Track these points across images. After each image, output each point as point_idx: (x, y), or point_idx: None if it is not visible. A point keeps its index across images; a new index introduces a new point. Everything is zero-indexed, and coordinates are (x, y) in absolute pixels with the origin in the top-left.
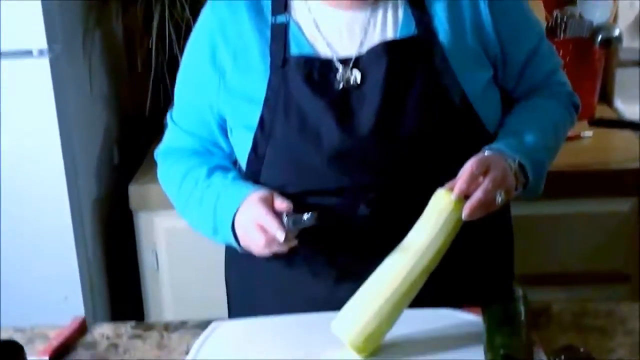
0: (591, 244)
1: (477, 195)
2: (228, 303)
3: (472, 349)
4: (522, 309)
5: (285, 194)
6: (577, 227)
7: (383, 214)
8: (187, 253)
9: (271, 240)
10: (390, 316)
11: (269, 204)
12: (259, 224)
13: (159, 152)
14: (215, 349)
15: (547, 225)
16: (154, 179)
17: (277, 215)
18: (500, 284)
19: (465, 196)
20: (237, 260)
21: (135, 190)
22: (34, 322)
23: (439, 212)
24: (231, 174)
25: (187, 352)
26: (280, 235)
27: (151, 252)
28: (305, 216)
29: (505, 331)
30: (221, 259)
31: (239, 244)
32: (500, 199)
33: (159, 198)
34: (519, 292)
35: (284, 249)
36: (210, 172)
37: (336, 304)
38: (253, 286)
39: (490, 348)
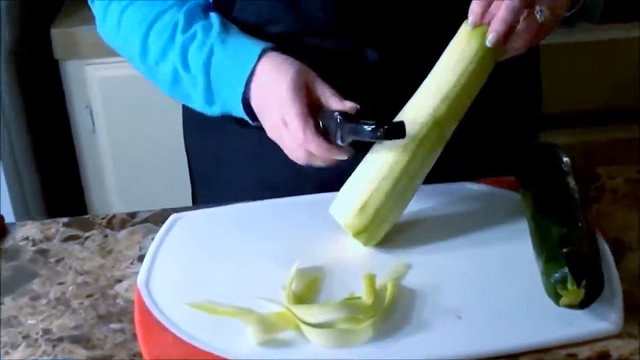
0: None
1: (503, 15)
2: (191, 178)
3: (506, 229)
4: (575, 186)
5: (267, 35)
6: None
7: (396, 60)
8: (130, 109)
9: (313, 157)
10: (399, 190)
11: (304, 94)
12: (295, 133)
13: None
14: (178, 250)
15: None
16: (83, 19)
17: (313, 110)
18: (531, 150)
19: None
20: (199, 123)
21: (59, 36)
22: None
23: (464, 49)
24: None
25: (140, 259)
26: (338, 155)
27: (84, 109)
28: (368, 127)
29: (560, 219)
30: (177, 117)
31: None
32: (542, 17)
33: (90, 42)
34: (567, 161)
35: (331, 163)
36: (190, 17)
37: (337, 182)
38: (224, 158)
39: (543, 241)
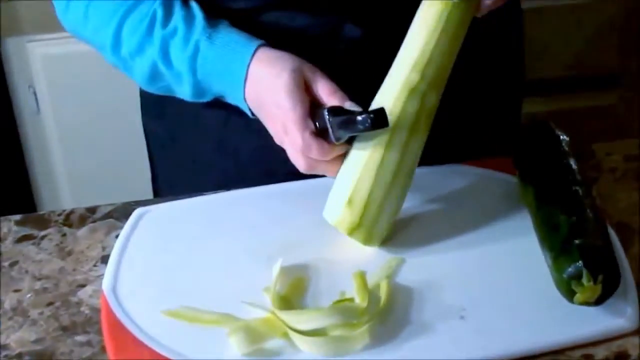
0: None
1: None
2: (151, 165)
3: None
4: (575, 165)
5: (232, 12)
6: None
7: (379, 37)
8: (78, 89)
9: (316, 163)
10: (386, 177)
11: (302, 97)
12: (294, 140)
13: None
14: (147, 249)
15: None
16: None
17: (310, 107)
18: (523, 129)
19: None
20: (158, 103)
21: None
22: None
23: (428, 11)
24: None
25: (103, 260)
26: (327, 155)
27: (27, 89)
28: (360, 117)
29: (567, 207)
30: (132, 96)
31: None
32: None
33: (32, 16)
34: (566, 139)
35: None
36: (168, 8)
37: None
38: (188, 143)
39: (551, 233)
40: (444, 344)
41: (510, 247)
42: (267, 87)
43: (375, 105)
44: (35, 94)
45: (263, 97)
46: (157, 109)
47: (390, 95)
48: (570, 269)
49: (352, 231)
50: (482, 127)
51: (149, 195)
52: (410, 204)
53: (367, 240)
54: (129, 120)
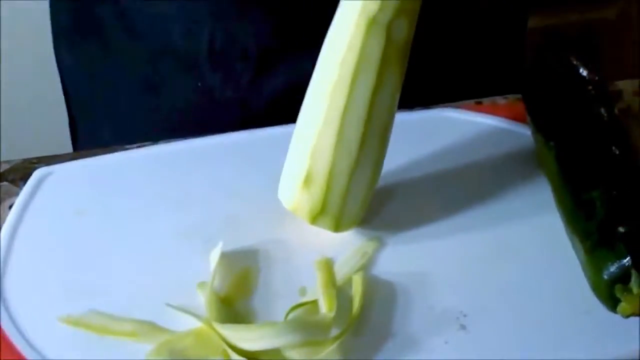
0: None
1: None
2: (68, 110)
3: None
4: (608, 113)
5: None
6: None
7: None
8: None
9: None
10: (349, 141)
11: None
12: None
13: None
14: (46, 227)
15: None
16: None
17: None
18: (535, 64)
19: None
20: (74, 31)
21: None
22: None
23: None
24: None
25: None
26: None
27: None
28: None
29: (604, 177)
30: (42, 24)
31: None
32: None
33: None
34: (595, 78)
35: None
36: None
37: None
38: (109, 82)
39: (581, 214)
40: None
41: (524, 229)
42: None
43: (327, 44)
44: None
45: None
46: (74, 37)
47: (345, 30)
48: (612, 268)
49: (315, 218)
50: (481, 60)
51: (68, 149)
52: (391, 168)
53: (337, 227)
54: (40, 51)
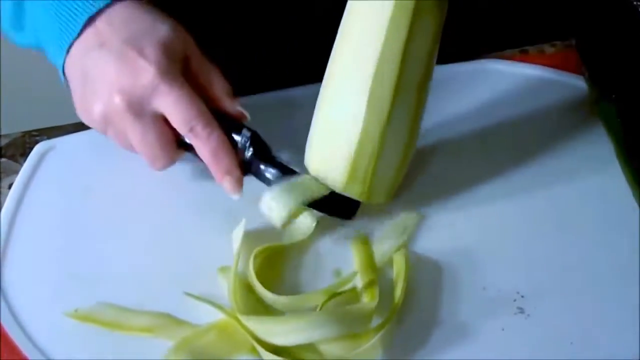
0: None
1: None
2: None
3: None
4: None
5: None
6: None
7: None
8: None
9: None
10: (391, 103)
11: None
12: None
13: None
14: (50, 207)
15: None
16: None
17: None
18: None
19: None
20: None
21: None
22: None
23: None
24: None
25: None
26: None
27: None
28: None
29: None
30: None
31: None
32: None
33: None
34: None
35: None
36: None
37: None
38: None
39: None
40: (495, 354)
41: (584, 191)
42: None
43: None
44: None
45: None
46: None
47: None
48: None
49: (344, 185)
50: (525, 1)
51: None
52: (431, 127)
53: (369, 195)
54: None
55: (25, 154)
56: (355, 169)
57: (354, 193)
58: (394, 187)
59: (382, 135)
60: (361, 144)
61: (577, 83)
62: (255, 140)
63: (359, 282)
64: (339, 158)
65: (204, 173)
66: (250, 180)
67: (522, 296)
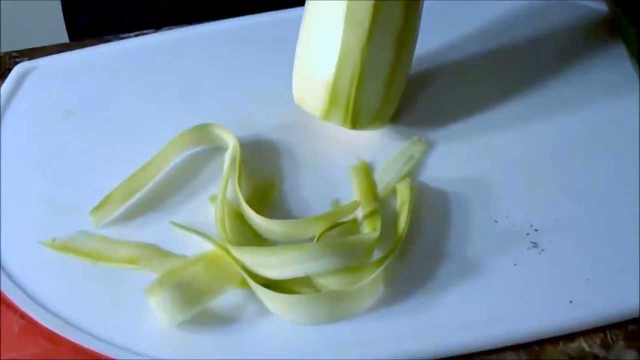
0: None
1: None
2: None
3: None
4: None
5: None
6: None
7: None
8: None
9: None
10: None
11: None
12: None
13: None
14: (28, 135)
15: None
16: None
17: None
18: None
19: None
20: None
21: None
22: None
23: None
24: None
25: None
26: None
27: None
28: None
29: None
30: None
31: None
32: None
33: None
34: None
35: None
36: None
37: None
38: None
39: None
40: (506, 291)
41: (600, 118)
42: None
43: None
44: None
45: None
46: None
47: None
48: None
49: (325, 112)
50: None
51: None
52: (433, 49)
53: (353, 121)
54: None
55: (4, 76)
56: (336, 92)
57: (337, 120)
58: (387, 113)
59: (362, 54)
60: (340, 65)
61: (595, 3)
62: None
63: (360, 213)
64: (319, 82)
65: (193, 98)
66: (242, 102)
67: (536, 230)
